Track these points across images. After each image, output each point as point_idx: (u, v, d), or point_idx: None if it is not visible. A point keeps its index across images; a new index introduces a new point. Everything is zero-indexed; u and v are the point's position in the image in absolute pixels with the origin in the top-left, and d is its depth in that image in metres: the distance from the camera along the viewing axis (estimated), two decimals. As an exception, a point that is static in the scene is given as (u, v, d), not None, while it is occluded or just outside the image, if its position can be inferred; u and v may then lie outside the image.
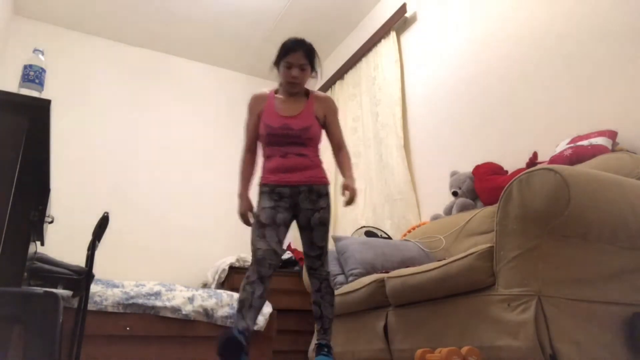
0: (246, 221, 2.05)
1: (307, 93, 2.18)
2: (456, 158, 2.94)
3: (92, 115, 4.05)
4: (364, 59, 3.93)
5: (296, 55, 2.05)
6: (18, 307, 1.37)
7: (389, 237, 2.92)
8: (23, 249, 1.66)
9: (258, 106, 2.16)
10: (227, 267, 3.60)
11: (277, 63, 2.15)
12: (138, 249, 3.85)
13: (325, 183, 2.05)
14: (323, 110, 2.14)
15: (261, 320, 2.82)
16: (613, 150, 1.93)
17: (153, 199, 4.08)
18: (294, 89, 2.11)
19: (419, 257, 2.37)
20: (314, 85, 4.83)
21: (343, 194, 1.98)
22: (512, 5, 2.72)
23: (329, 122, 2.15)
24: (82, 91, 4.07)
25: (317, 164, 2.07)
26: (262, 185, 2.05)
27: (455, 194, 2.65)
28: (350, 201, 1.96)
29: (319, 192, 2.00)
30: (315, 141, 2.09)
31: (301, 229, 2.03)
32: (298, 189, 1.98)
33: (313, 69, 2.12)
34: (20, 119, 1.43)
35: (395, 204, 3.24)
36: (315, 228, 1.98)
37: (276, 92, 2.20)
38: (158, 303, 2.77)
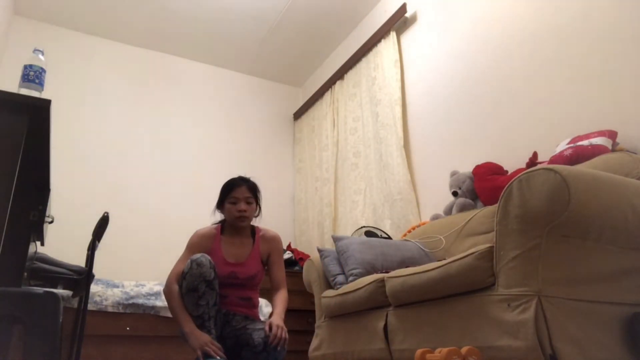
0: (210, 352, 1.75)
1: (253, 231, 2.20)
2: (456, 158, 2.94)
3: (92, 115, 4.05)
4: (364, 59, 3.93)
5: (240, 189, 2.09)
6: (18, 307, 1.37)
7: (389, 237, 2.92)
8: (23, 249, 1.66)
9: (204, 245, 2.08)
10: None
11: (220, 204, 2.14)
12: (138, 249, 3.85)
13: (254, 306, 2.11)
14: (268, 251, 2.17)
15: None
16: (613, 150, 1.93)
17: (153, 199, 4.08)
18: (242, 222, 2.10)
19: (419, 257, 2.37)
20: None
21: (268, 330, 1.82)
22: (512, 5, 2.72)
23: (272, 261, 2.17)
24: (82, 91, 4.07)
25: (255, 305, 2.11)
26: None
27: (455, 194, 2.65)
28: (274, 338, 1.78)
29: (253, 317, 2.06)
30: (258, 284, 2.14)
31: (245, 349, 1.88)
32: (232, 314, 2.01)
33: (257, 204, 2.15)
34: (20, 119, 1.43)
35: (395, 204, 3.24)
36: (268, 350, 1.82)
37: (222, 230, 2.16)
38: (158, 303, 2.77)
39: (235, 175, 2.20)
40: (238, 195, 2.07)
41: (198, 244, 2.07)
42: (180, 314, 1.85)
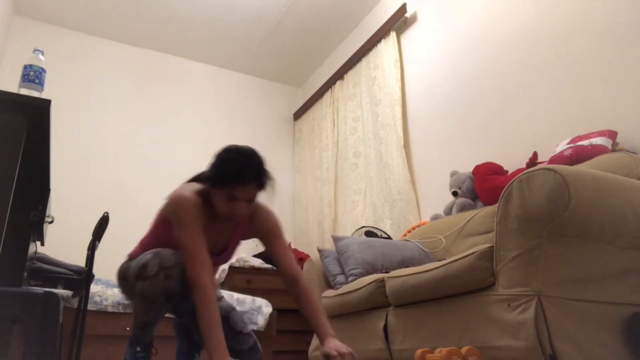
0: None
1: None
2: (456, 158, 2.94)
3: (92, 115, 4.05)
4: (364, 59, 3.93)
5: (248, 189, 1.47)
6: (18, 307, 1.37)
7: (389, 237, 2.92)
8: (23, 249, 1.66)
9: (201, 220, 1.49)
10: (227, 267, 3.61)
11: (216, 183, 1.48)
12: (138, 249, 3.84)
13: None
14: (259, 233, 1.66)
15: (261, 320, 2.82)
16: (613, 150, 1.93)
17: (153, 199, 4.06)
18: (233, 221, 1.59)
19: (419, 257, 2.37)
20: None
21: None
22: (512, 5, 2.72)
23: (270, 245, 1.64)
24: (82, 91, 4.07)
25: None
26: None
27: (455, 194, 2.65)
28: None
29: None
30: None
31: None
32: None
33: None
34: (20, 119, 1.43)
35: (395, 204, 3.24)
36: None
37: (203, 199, 1.53)
38: (158, 303, 2.76)
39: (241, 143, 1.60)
40: (242, 195, 1.46)
41: (196, 215, 1.48)
42: (215, 335, 1.34)
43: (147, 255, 1.47)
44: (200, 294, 1.37)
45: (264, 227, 1.65)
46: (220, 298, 1.74)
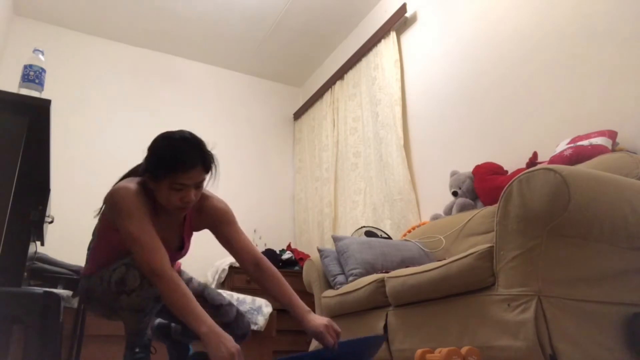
0: None
1: None
2: (456, 158, 2.94)
3: (92, 115, 4.05)
4: (364, 59, 3.93)
5: (193, 173, 1.35)
6: (18, 307, 1.37)
7: (389, 237, 2.92)
8: (23, 249, 1.66)
9: (147, 210, 1.37)
10: (227, 267, 3.61)
11: (157, 174, 1.36)
12: (138, 249, 3.84)
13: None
14: (207, 224, 1.56)
15: (261, 320, 2.82)
16: (613, 150, 1.93)
17: (153, 199, 4.08)
18: (182, 212, 1.45)
19: (419, 257, 2.37)
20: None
21: (322, 339, 1.32)
22: (512, 5, 2.72)
23: (223, 233, 1.54)
24: (82, 91, 4.07)
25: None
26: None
27: (455, 194, 2.65)
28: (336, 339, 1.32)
29: None
30: None
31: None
32: None
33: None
34: (20, 119, 1.43)
35: (395, 204, 3.24)
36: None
37: (144, 188, 1.43)
38: (158, 303, 2.76)
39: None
40: (188, 181, 1.35)
41: (139, 206, 1.35)
42: (192, 308, 1.24)
43: (118, 268, 1.38)
44: (163, 281, 1.25)
45: (213, 216, 1.54)
46: (190, 279, 1.65)
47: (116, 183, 1.44)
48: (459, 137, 2.97)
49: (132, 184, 1.39)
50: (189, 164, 1.34)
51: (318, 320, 1.36)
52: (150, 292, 1.36)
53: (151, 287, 1.34)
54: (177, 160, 1.33)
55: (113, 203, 1.36)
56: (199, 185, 1.39)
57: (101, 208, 1.47)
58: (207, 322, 1.22)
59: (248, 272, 1.52)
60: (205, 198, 1.54)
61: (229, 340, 1.20)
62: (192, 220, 1.56)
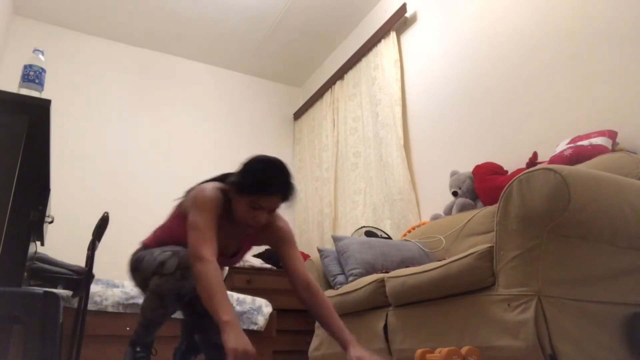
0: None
1: None
2: (456, 158, 2.94)
3: (92, 115, 4.05)
4: (364, 59, 3.93)
5: (272, 200, 1.49)
6: (18, 307, 1.37)
7: (389, 237, 2.92)
8: (23, 249, 1.66)
9: (217, 213, 1.51)
10: (227, 267, 3.61)
11: (242, 190, 1.49)
12: (138, 249, 3.84)
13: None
14: (270, 241, 1.69)
15: (261, 320, 2.82)
16: (613, 150, 1.93)
17: (153, 199, 4.08)
18: (250, 229, 1.58)
19: (419, 257, 2.37)
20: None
21: None
22: (512, 5, 2.72)
23: (282, 252, 1.65)
24: (82, 91, 4.07)
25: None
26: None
27: (455, 194, 2.65)
28: None
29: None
30: None
31: (204, 316, 1.64)
32: None
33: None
34: (20, 119, 1.43)
35: (395, 204, 3.24)
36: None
37: (224, 196, 1.55)
38: (158, 303, 2.76)
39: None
40: (265, 204, 1.49)
41: (214, 208, 1.50)
42: (221, 296, 1.31)
43: (166, 252, 1.52)
44: (204, 264, 1.35)
45: (276, 235, 1.65)
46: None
47: (201, 183, 1.61)
48: (459, 137, 2.97)
49: (215, 188, 1.54)
50: (274, 191, 1.48)
51: (358, 352, 1.43)
52: (178, 284, 1.48)
53: (182, 280, 1.48)
54: (265, 184, 1.47)
55: (195, 196, 1.51)
56: (272, 210, 1.53)
57: (182, 197, 1.65)
58: (230, 313, 1.28)
59: (298, 293, 1.60)
60: (274, 219, 1.64)
61: (246, 337, 1.25)
62: (256, 235, 1.68)
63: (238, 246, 1.69)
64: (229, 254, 1.68)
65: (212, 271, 1.34)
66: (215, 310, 1.28)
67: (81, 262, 2.26)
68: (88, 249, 2.16)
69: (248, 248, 1.73)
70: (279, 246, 1.66)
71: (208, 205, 1.48)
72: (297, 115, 4.98)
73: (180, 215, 1.61)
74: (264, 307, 2.90)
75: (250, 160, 1.53)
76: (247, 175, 1.49)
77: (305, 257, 3.89)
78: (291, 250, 1.66)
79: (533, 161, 2.24)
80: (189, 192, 1.62)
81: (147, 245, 1.69)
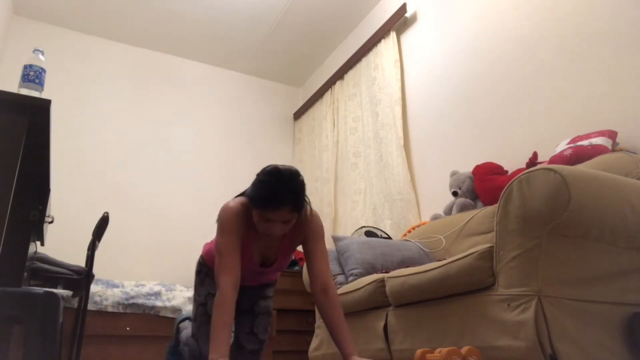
0: None
1: None
2: (456, 158, 2.94)
3: (92, 115, 4.05)
4: (364, 59, 3.93)
5: (281, 212, 1.45)
6: (18, 307, 1.37)
7: (389, 237, 2.92)
8: (23, 249, 1.66)
9: (241, 229, 1.54)
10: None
11: (253, 204, 1.50)
12: (138, 249, 3.85)
13: (274, 279, 1.91)
14: (303, 237, 1.64)
15: (261, 320, 2.81)
16: (613, 150, 1.93)
17: (153, 199, 4.08)
18: (269, 238, 1.60)
19: (419, 257, 2.37)
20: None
21: None
22: (512, 5, 2.72)
23: (309, 248, 1.63)
24: (82, 91, 4.07)
25: (274, 276, 1.89)
26: (204, 264, 1.80)
27: (455, 194, 2.65)
28: None
29: (267, 283, 1.89)
30: None
31: (242, 313, 1.80)
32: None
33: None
34: (20, 119, 1.43)
35: (395, 204, 3.24)
36: (259, 315, 1.83)
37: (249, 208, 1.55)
38: (158, 303, 2.77)
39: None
40: (274, 217, 1.46)
41: (237, 225, 1.52)
42: (221, 335, 1.36)
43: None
44: (219, 294, 1.42)
45: (305, 230, 1.62)
46: (266, 297, 1.89)
47: (236, 197, 1.62)
48: (459, 137, 2.97)
49: (237, 204, 1.56)
50: (278, 205, 1.44)
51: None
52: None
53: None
54: (267, 200, 1.44)
55: (219, 217, 1.56)
56: (286, 221, 1.49)
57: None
58: (220, 351, 1.32)
59: (314, 293, 1.59)
60: (306, 217, 1.59)
61: None
62: (289, 238, 1.65)
63: (276, 254, 1.68)
64: (269, 262, 1.68)
65: (219, 302, 1.41)
66: (211, 345, 1.36)
67: (81, 262, 2.26)
68: (88, 249, 2.16)
69: (286, 253, 1.70)
70: (305, 244, 1.64)
71: (228, 227, 1.51)
72: (297, 115, 4.98)
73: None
74: (264, 307, 2.90)
75: (260, 173, 1.51)
76: (255, 189, 1.49)
77: (305, 257, 3.89)
78: (315, 247, 1.63)
79: (533, 161, 2.24)
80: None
81: (204, 259, 1.81)
